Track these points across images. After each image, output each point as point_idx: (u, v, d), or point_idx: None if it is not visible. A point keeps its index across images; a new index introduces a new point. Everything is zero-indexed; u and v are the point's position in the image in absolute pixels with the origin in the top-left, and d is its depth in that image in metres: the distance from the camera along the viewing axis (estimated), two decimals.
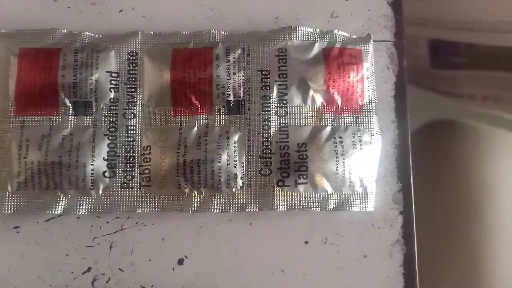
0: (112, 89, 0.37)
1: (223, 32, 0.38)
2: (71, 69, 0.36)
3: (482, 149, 0.50)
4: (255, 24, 0.39)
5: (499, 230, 0.48)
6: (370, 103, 0.37)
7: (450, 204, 0.50)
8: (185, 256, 0.36)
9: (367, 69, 0.38)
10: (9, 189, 0.35)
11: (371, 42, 0.38)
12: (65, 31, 0.37)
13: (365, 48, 0.38)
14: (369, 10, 0.40)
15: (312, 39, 0.38)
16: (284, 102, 0.37)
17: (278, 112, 0.37)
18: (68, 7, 0.39)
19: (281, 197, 0.36)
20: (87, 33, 0.38)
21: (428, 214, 0.43)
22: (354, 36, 0.39)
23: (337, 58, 0.37)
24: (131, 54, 0.37)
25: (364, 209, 0.37)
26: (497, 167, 0.50)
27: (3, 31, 0.37)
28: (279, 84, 0.37)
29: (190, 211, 0.36)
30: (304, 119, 0.37)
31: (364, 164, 0.36)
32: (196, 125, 0.36)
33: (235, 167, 0.36)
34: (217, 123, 0.36)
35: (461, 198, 0.49)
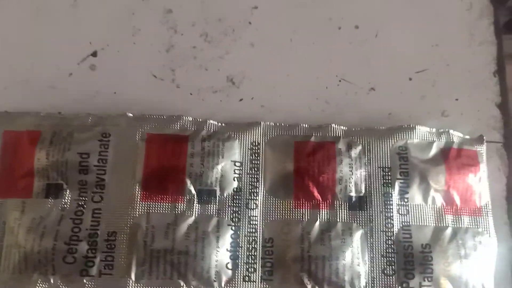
0: (235, 178, 0.37)
1: (342, 127, 0.39)
2: (199, 157, 0.36)
3: None
4: (369, 118, 0.40)
5: None
6: (487, 205, 0.38)
7: None
8: None
9: (484, 171, 0.38)
10: (133, 277, 0.34)
11: (485, 143, 0.39)
12: (191, 118, 0.38)
13: (479, 149, 0.39)
14: (478, 110, 0.41)
15: (430, 139, 0.39)
16: (406, 200, 0.37)
17: (400, 210, 0.37)
18: (191, 94, 0.40)
19: None
20: (212, 121, 0.38)
21: None
22: (468, 137, 0.40)
23: (456, 159, 0.38)
24: (254, 144, 0.38)
25: None
26: None
27: (129, 114, 0.38)
28: (400, 182, 0.37)
29: None
30: (425, 219, 0.37)
31: (484, 267, 0.36)
32: (318, 219, 0.36)
33: (358, 265, 0.35)
34: (339, 218, 0.37)
35: None
